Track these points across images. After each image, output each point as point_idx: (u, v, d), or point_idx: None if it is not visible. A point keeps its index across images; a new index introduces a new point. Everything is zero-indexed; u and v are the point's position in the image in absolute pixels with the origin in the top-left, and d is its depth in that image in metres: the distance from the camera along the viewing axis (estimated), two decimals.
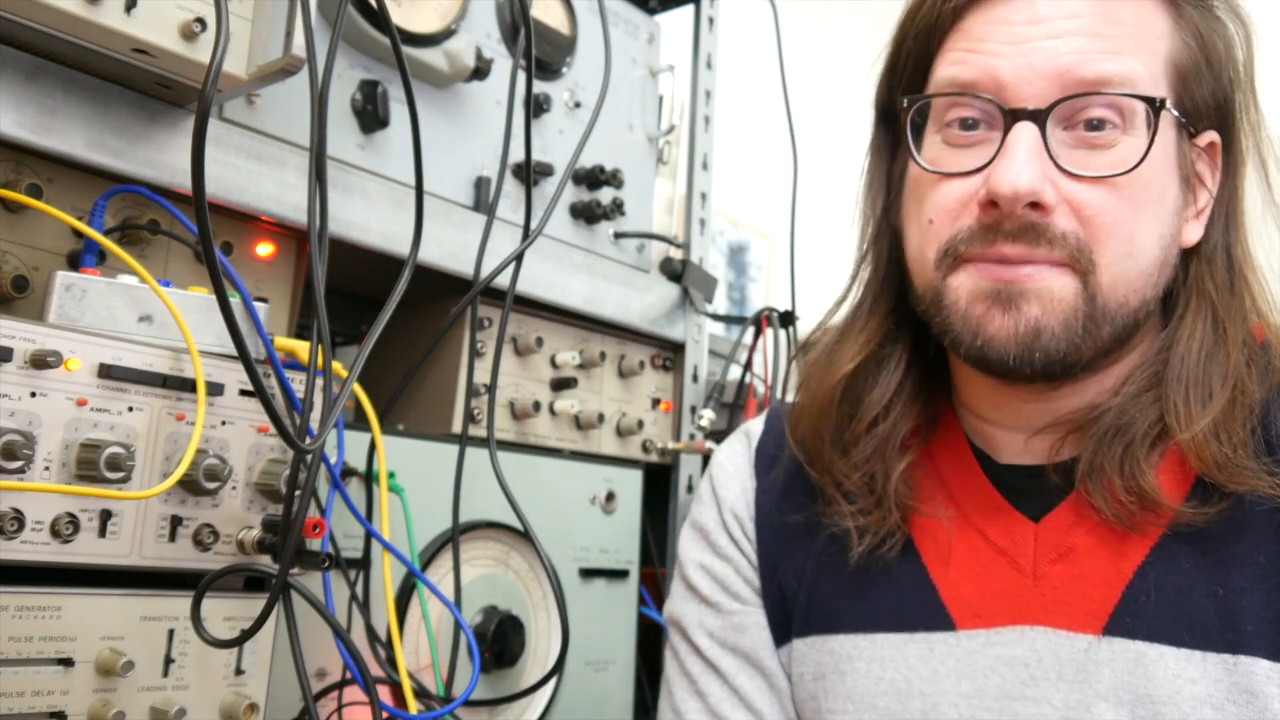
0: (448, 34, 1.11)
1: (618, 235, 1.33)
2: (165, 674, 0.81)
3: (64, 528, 0.75)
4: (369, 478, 1.02)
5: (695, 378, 1.42)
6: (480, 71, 1.15)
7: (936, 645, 0.89)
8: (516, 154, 1.21)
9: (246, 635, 0.77)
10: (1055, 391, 0.88)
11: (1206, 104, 0.87)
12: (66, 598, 0.76)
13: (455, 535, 1.06)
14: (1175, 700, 0.78)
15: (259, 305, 0.87)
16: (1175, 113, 0.85)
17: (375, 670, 0.98)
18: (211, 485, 0.81)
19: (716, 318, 1.47)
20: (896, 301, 0.96)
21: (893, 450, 0.93)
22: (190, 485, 0.80)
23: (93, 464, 0.75)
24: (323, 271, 0.78)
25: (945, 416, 0.98)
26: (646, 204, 1.39)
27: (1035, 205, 0.81)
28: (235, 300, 0.85)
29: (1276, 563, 0.80)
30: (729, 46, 1.61)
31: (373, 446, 1.01)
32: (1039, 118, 0.81)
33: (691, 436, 1.39)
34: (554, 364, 1.27)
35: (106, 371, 0.78)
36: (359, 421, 1.02)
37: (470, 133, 1.18)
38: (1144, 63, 0.83)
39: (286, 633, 0.79)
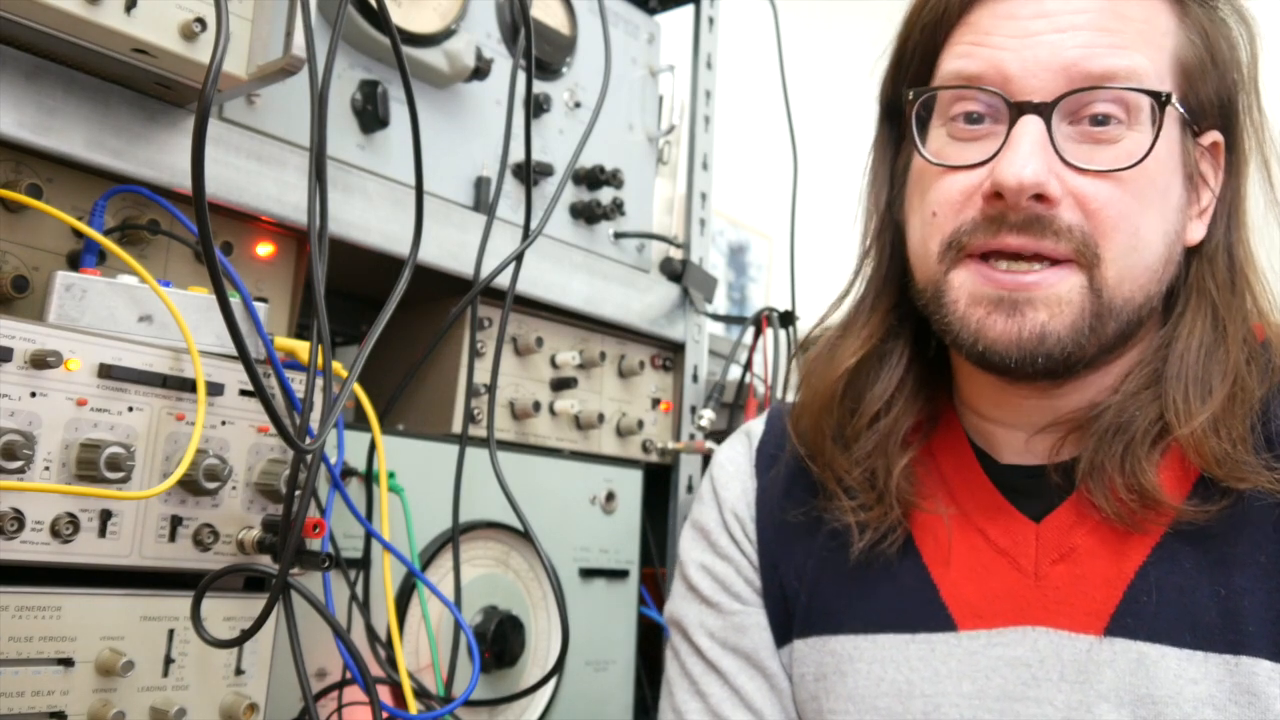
0: (448, 34, 1.11)
1: (618, 235, 1.33)
2: (165, 674, 0.81)
3: (64, 528, 0.75)
4: (369, 478, 1.02)
5: (695, 378, 1.42)
6: (480, 71, 1.15)
7: (938, 646, 0.88)
8: (516, 154, 1.21)
9: (246, 635, 0.77)
10: (1057, 390, 0.88)
11: (1211, 103, 0.87)
12: (66, 598, 0.76)
13: (455, 535, 1.06)
14: (1177, 701, 0.78)
15: (259, 305, 0.87)
16: (1180, 109, 0.85)
17: (375, 670, 0.98)
18: (211, 485, 0.81)
19: (716, 318, 1.47)
20: (899, 297, 0.96)
21: (894, 446, 0.93)
22: (190, 485, 0.80)
23: (93, 464, 0.75)
24: (323, 271, 0.78)
25: (946, 414, 0.98)
26: (646, 204, 1.39)
27: (1040, 198, 0.81)
28: (235, 300, 0.85)
29: (1278, 563, 0.80)
30: (729, 46, 1.61)
31: (373, 446, 1.01)
32: (1044, 111, 0.81)
33: (691, 436, 1.39)
34: (554, 364, 1.27)
35: (106, 371, 0.77)
36: (359, 421, 1.02)
37: (470, 133, 1.18)
38: (1150, 58, 0.83)
39: (286, 633, 0.79)
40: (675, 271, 1.40)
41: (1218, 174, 0.90)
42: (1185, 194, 0.87)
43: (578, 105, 1.30)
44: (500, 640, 1.11)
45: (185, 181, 0.89)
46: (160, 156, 0.88)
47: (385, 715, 0.89)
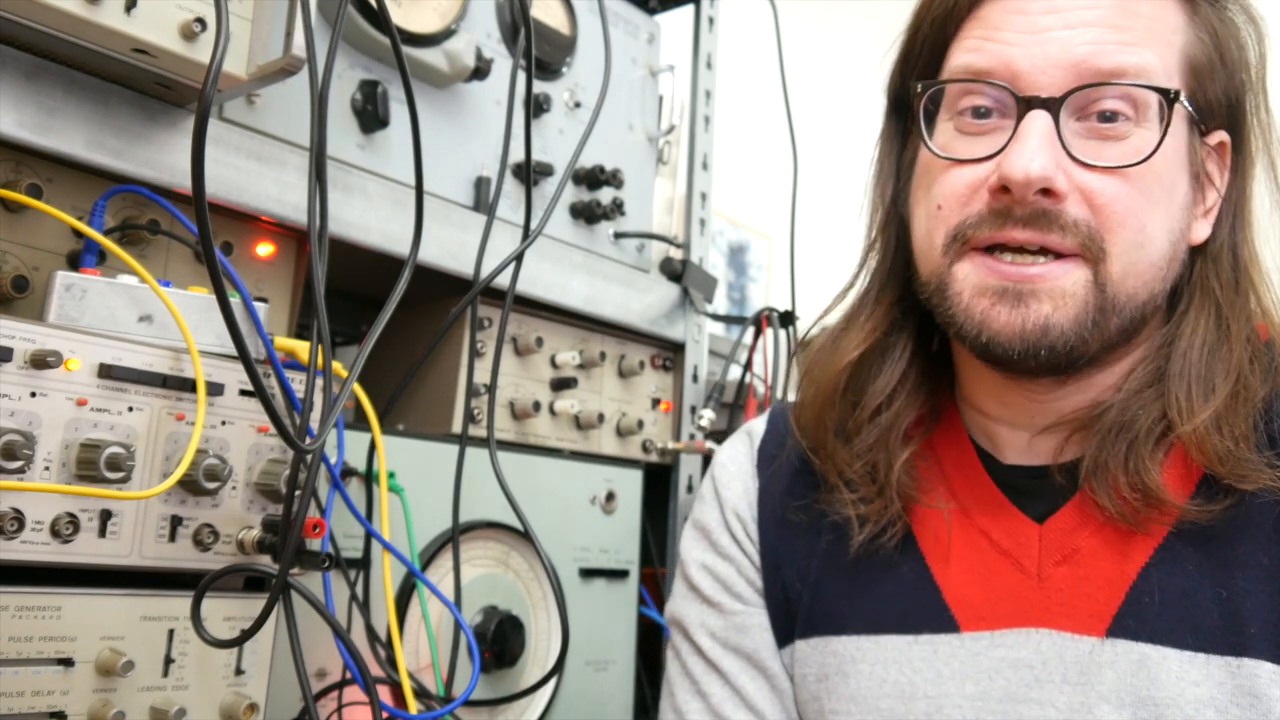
0: (448, 34, 1.11)
1: (618, 235, 1.33)
2: (165, 674, 0.81)
3: (64, 528, 0.75)
4: (369, 478, 1.02)
5: (695, 378, 1.42)
6: (480, 71, 1.15)
7: (940, 647, 0.88)
8: (516, 154, 1.21)
9: (246, 635, 0.77)
10: (1060, 388, 0.88)
11: (1219, 101, 0.87)
12: (66, 598, 0.76)
13: (455, 535, 1.06)
14: (1178, 703, 0.78)
15: (259, 305, 0.87)
16: (1188, 107, 0.85)
17: (375, 670, 0.98)
18: (211, 485, 0.81)
19: (716, 318, 1.47)
20: (903, 291, 0.96)
21: (895, 440, 0.93)
22: (190, 485, 0.80)
23: (93, 464, 0.75)
24: (323, 271, 0.78)
25: (947, 411, 0.98)
26: (646, 204, 1.39)
27: (1047, 192, 0.81)
28: (235, 300, 0.85)
29: None
30: (729, 46, 1.61)
31: (373, 446, 1.01)
32: (1053, 106, 0.81)
33: (691, 436, 1.39)
34: (554, 364, 1.27)
35: (106, 371, 0.77)
36: (359, 421, 1.02)
37: (470, 133, 1.18)
38: (1159, 55, 0.83)
39: (286, 633, 0.79)
40: (675, 271, 1.40)
41: (1224, 173, 0.90)
42: (1191, 193, 0.87)
43: (578, 105, 1.30)
44: (500, 640, 1.11)
45: (185, 181, 0.89)
46: (160, 156, 0.88)
47: (385, 715, 0.89)
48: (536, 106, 1.24)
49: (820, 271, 1.86)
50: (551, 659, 1.18)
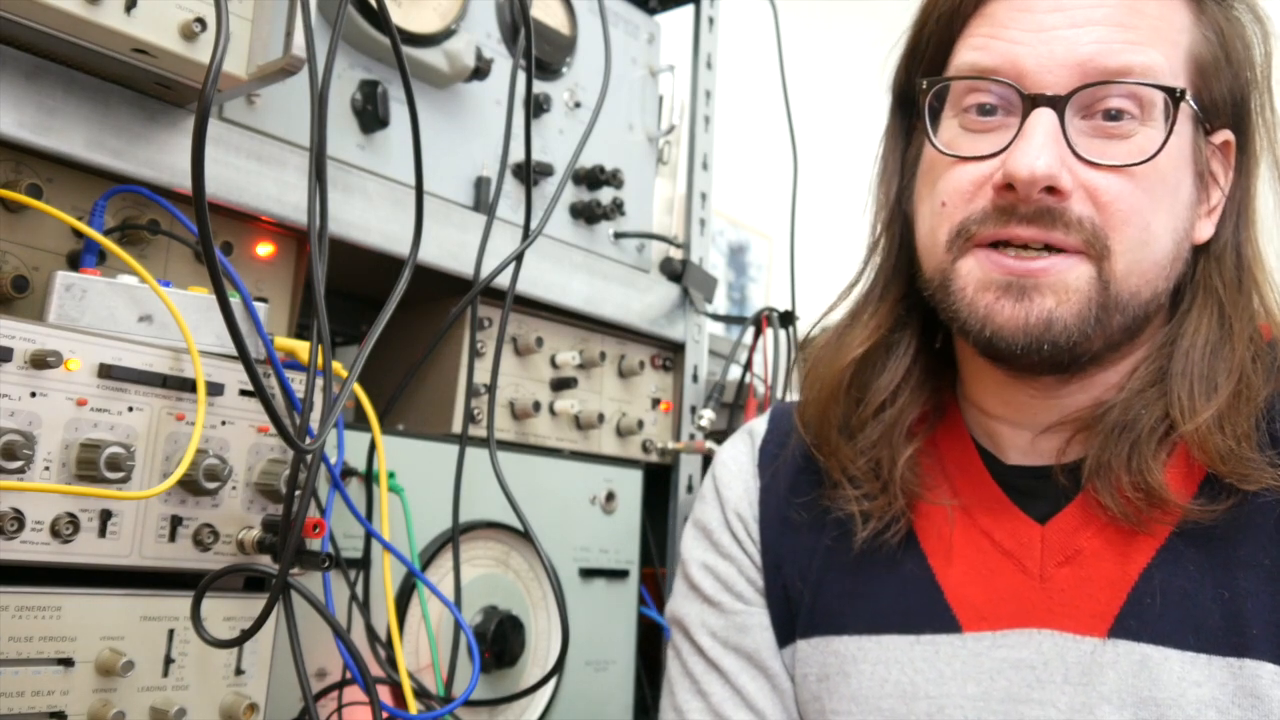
0: (448, 34, 1.11)
1: (618, 235, 1.33)
2: (165, 674, 0.81)
3: (64, 528, 0.75)
4: (369, 478, 1.02)
5: (695, 378, 1.42)
6: (480, 71, 1.15)
7: (942, 647, 0.88)
8: (516, 154, 1.21)
9: (246, 635, 0.77)
10: (1063, 387, 0.88)
11: (1224, 100, 0.87)
12: (66, 598, 0.76)
13: (455, 535, 1.06)
14: (1180, 703, 0.78)
15: (259, 305, 0.87)
16: (1193, 106, 0.85)
17: (375, 670, 0.98)
18: (211, 485, 0.81)
19: (716, 318, 1.47)
20: (907, 288, 0.96)
21: (899, 436, 0.93)
22: (190, 485, 0.80)
23: (93, 464, 0.75)
24: (323, 271, 0.78)
25: (950, 410, 0.98)
26: (646, 204, 1.39)
27: (1051, 190, 0.81)
28: (235, 300, 0.85)
29: None
30: (729, 46, 1.61)
31: (373, 446, 1.01)
32: (1058, 104, 0.81)
33: (691, 436, 1.39)
34: (554, 364, 1.27)
35: (106, 371, 0.77)
36: (359, 421, 1.02)
37: (470, 133, 1.18)
38: (1165, 54, 0.83)
39: (286, 633, 0.79)
40: (675, 271, 1.40)
41: (1228, 173, 0.90)
42: (1195, 192, 0.87)
43: (578, 105, 1.30)
44: (500, 640, 1.11)
45: (185, 181, 0.89)
46: (160, 156, 0.88)
47: (385, 715, 0.89)
48: (536, 106, 1.24)
49: (820, 271, 1.86)
50: (551, 659, 1.18)
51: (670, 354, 1.41)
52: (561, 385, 1.26)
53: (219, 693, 0.83)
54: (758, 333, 1.42)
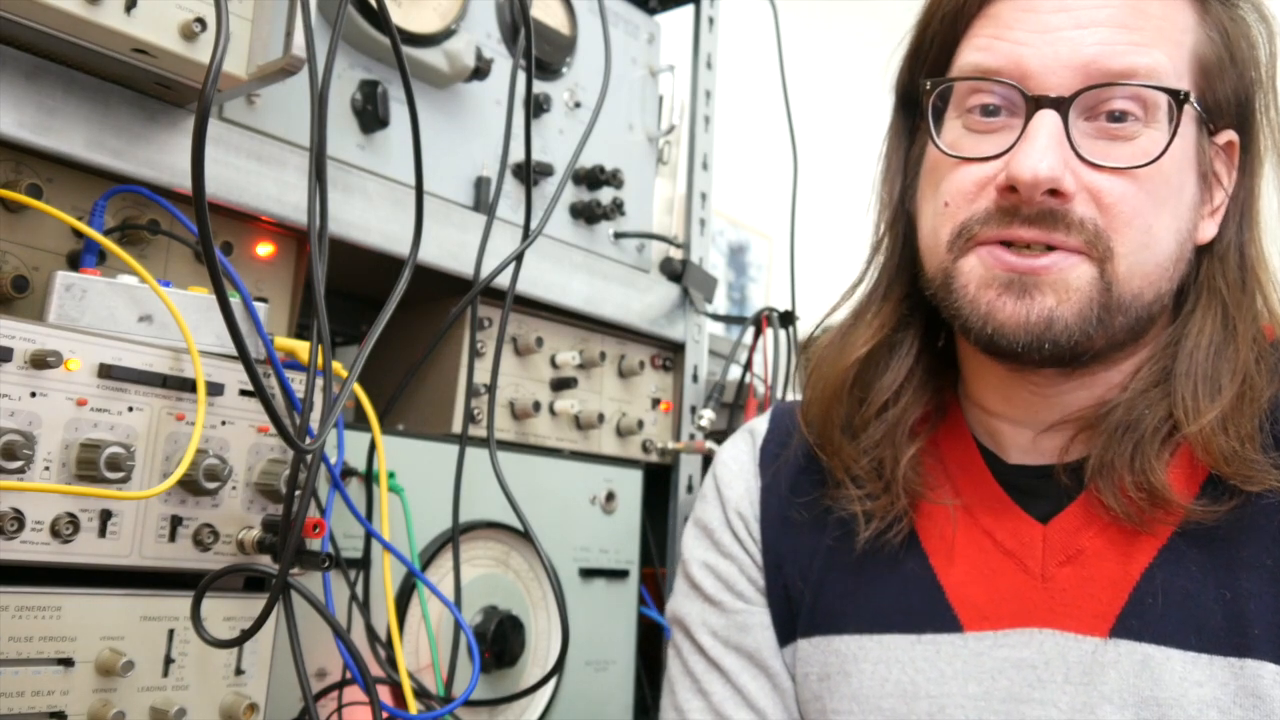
0: (448, 34, 1.11)
1: (618, 235, 1.33)
2: (165, 674, 0.81)
3: (64, 528, 0.75)
4: (369, 478, 1.02)
5: (695, 378, 1.42)
6: (480, 71, 1.15)
7: (943, 647, 0.88)
8: (516, 154, 1.21)
9: (246, 635, 0.77)
10: (1065, 384, 0.88)
11: (1228, 101, 0.87)
12: (66, 598, 0.76)
13: (455, 535, 1.06)
14: (1181, 703, 0.78)
15: (259, 305, 0.87)
16: (1197, 108, 0.85)
17: (375, 670, 0.98)
18: (211, 485, 0.81)
19: (716, 318, 1.47)
20: (909, 287, 0.96)
21: (902, 436, 0.93)
22: (190, 485, 0.80)
23: (93, 464, 0.75)
24: (323, 271, 0.78)
25: (951, 410, 0.98)
26: (646, 204, 1.39)
27: (1055, 193, 0.81)
28: (235, 300, 0.85)
29: None
30: (729, 46, 1.61)
31: (373, 446, 1.01)
32: (1062, 106, 0.81)
33: (691, 436, 1.39)
34: (554, 364, 1.27)
35: (106, 371, 0.77)
36: (359, 421, 1.02)
37: (470, 133, 1.18)
38: (1169, 56, 0.83)
39: (286, 633, 0.79)
40: (675, 271, 1.40)
41: (1232, 173, 0.90)
42: (1199, 192, 0.87)
43: (578, 105, 1.30)
44: (500, 640, 1.11)
45: (185, 181, 0.89)
46: (160, 156, 0.88)
47: (385, 715, 0.89)
48: (536, 106, 1.24)
49: (820, 271, 1.86)
50: (551, 659, 1.18)
51: (670, 354, 1.41)
52: (561, 385, 1.26)
53: (219, 693, 0.83)
54: (758, 333, 1.42)
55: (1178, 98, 0.82)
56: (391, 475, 1.05)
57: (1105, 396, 0.88)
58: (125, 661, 0.77)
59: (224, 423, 0.84)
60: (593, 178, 1.29)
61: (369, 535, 1.02)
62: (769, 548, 1.00)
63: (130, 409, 0.79)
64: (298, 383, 0.87)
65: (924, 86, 0.89)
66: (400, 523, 1.05)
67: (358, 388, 0.98)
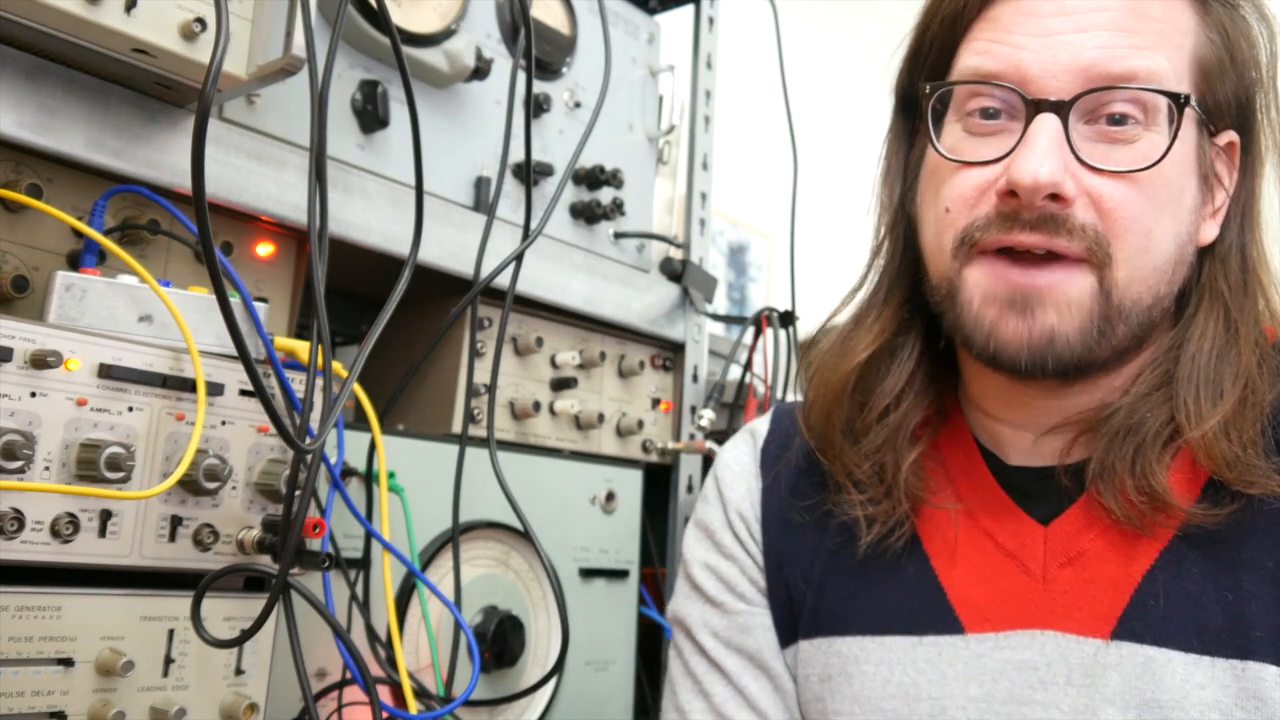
0: (448, 34, 1.11)
1: (618, 235, 1.33)
2: (165, 674, 0.81)
3: (64, 528, 0.75)
4: (369, 478, 1.02)
5: (695, 378, 1.42)
6: (480, 71, 1.15)
7: (945, 649, 0.88)
8: (516, 154, 1.21)
9: (246, 635, 0.77)
10: (1066, 389, 0.88)
11: (1228, 102, 0.87)
12: (66, 598, 0.76)
13: (455, 535, 1.06)
14: (1183, 705, 0.78)
15: (259, 305, 0.87)
16: (1198, 110, 0.85)
17: (375, 670, 0.98)
18: (211, 485, 0.81)
19: (716, 318, 1.47)
20: (911, 291, 0.95)
21: (903, 440, 0.93)
22: (190, 485, 0.80)
23: (93, 464, 0.75)
24: (323, 271, 0.78)
25: (953, 413, 0.98)
26: (646, 204, 1.39)
27: (1055, 197, 0.81)
28: (235, 300, 0.85)
29: None
30: (729, 46, 1.61)
31: (373, 446, 1.01)
32: (1062, 109, 0.81)
33: (691, 436, 1.39)
34: (554, 364, 1.27)
35: (106, 371, 0.77)
36: (359, 421, 1.02)
37: (470, 133, 1.18)
38: (1169, 58, 0.82)
39: (286, 633, 0.79)
40: (675, 271, 1.40)
41: (1232, 174, 0.89)
42: (1199, 194, 0.86)
43: (578, 105, 1.30)
44: (500, 640, 1.11)
45: (185, 181, 0.89)
46: (160, 156, 0.88)
47: (385, 715, 0.89)
48: (536, 106, 1.24)
49: (820, 271, 1.86)
50: (551, 659, 1.18)
51: (670, 354, 1.41)
52: (561, 385, 1.26)
53: (219, 693, 0.83)
54: (758, 333, 1.42)
55: (1178, 101, 0.81)
56: (391, 475, 1.05)
57: (1107, 399, 0.87)
58: (125, 661, 0.77)
59: (224, 423, 0.84)
60: (593, 178, 1.29)
61: (369, 535, 1.02)
62: (770, 549, 1.00)
63: (130, 409, 0.79)
64: (298, 383, 0.87)
65: (923, 90, 0.89)
66: (400, 523, 1.05)
67: (358, 388, 0.98)
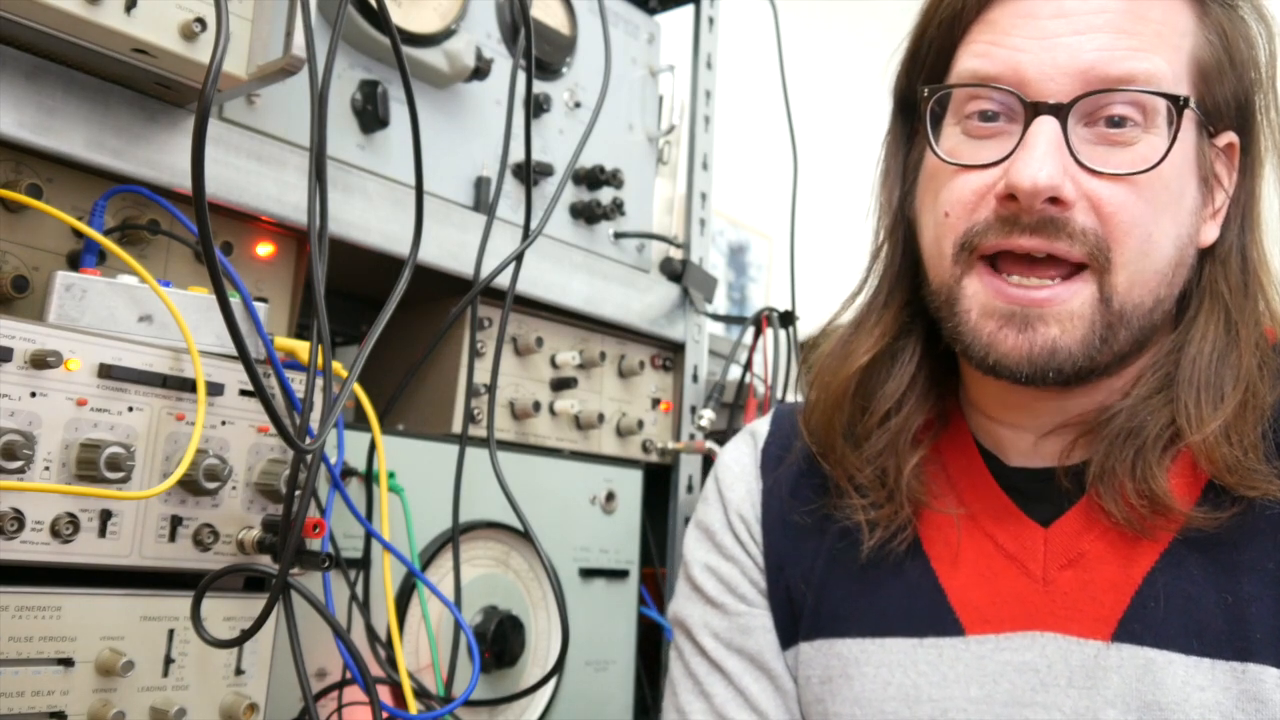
0: (448, 34, 1.11)
1: (618, 235, 1.33)
2: (165, 674, 0.81)
3: (64, 528, 0.75)
4: (369, 478, 1.02)
5: (695, 378, 1.42)
6: (480, 71, 1.15)
7: (946, 650, 0.88)
8: (516, 154, 1.21)
9: (246, 635, 0.77)
10: (1067, 393, 0.88)
11: (1227, 103, 0.87)
12: (66, 598, 0.76)
13: (455, 535, 1.06)
14: (1183, 707, 0.78)
15: (259, 305, 0.87)
16: (1197, 112, 0.84)
17: (375, 670, 0.98)
18: (211, 485, 0.81)
19: (716, 318, 1.47)
20: (911, 295, 0.95)
21: (905, 444, 0.92)
22: (190, 485, 0.80)
23: (93, 464, 0.75)
24: (323, 271, 0.78)
25: (953, 414, 0.97)
26: (646, 204, 1.39)
27: (1054, 200, 0.80)
28: (235, 300, 0.85)
29: None
30: (729, 46, 1.61)
31: (373, 446, 1.01)
32: (1060, 112, 0.81)
33: (691, 436, 1.39)
34: (554, 364, 1.27)
35: (106, 371, 0.77)
36: (359, 421, 1.02)
37: (470, 133, 1.18)
38: (1168, 60, 0.82)
39: (286, 633, 0.79)
40: (675, 271, 1.40)
41: (1232, 175, 0.89)
42: (1199, 196, 0.86)
43: (578, 105, 1.30)
44: (500, 640, 1.11)
45: (185, 181, 0.89)
46: (160, 156, 0.88)
47: (385, 715, 0.89)
48: (536, 106, 1.24)
49: (820, 271, 1.86)
50: (551, 659, 1.18)
51: (670, 354, 1.41)
52: (561, 385, 1.26)
53: (219, 693, 0.83)
54: (758, 333, 1.42)
55: (1177, 103, 0.81)
56: (391, 475, 1.05)
57: (1107, 402, 0.87)
58: (125, 661, 0.77)
59: (224, 423, 0.84)
60: (593, 178, 1.29)
61: (369, 535, 1.02)
62: (770, 550, 1.00)
63: (130, 409, 0.79)
64: (298, 383, 0.87)
65: (921, 93, 0.89)
66: (400, 523, 1.05)
67: (358, 388, 0.98)
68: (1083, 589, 0.85)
